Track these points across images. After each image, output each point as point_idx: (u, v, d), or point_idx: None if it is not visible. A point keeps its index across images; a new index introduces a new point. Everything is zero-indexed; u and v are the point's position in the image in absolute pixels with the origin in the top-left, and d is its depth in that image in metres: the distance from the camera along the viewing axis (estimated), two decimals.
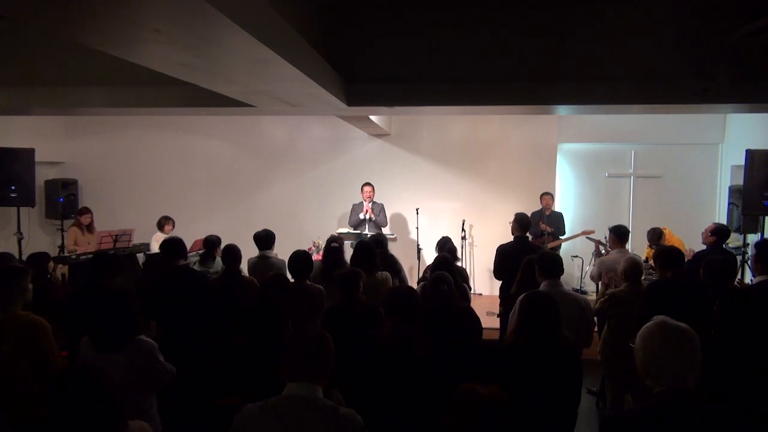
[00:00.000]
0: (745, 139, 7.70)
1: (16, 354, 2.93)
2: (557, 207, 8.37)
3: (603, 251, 6.51)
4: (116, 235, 7.00)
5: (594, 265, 5.87)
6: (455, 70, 4.86)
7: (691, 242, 6.62)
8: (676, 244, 5.86)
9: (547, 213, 7.93)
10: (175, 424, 3.42)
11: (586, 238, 7.80)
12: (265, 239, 5.23)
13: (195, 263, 5.88)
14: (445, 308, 3.26)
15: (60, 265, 6.81)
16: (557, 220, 8.01)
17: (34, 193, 7.50)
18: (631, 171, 8.80)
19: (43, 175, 8.42)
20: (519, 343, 2.88)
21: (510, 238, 5.44)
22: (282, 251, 5.44)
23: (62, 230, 7.96)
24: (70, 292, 4.40)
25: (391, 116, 8.51)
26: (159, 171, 9.29)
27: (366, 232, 7.33)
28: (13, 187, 7.20)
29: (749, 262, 6.28)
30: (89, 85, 5.20)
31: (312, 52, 3.93)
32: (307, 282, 4.34)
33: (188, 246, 4.87)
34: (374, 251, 4.65)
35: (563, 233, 8.01)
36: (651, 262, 5.90)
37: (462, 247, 8.20)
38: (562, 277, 3.90)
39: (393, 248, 6.55)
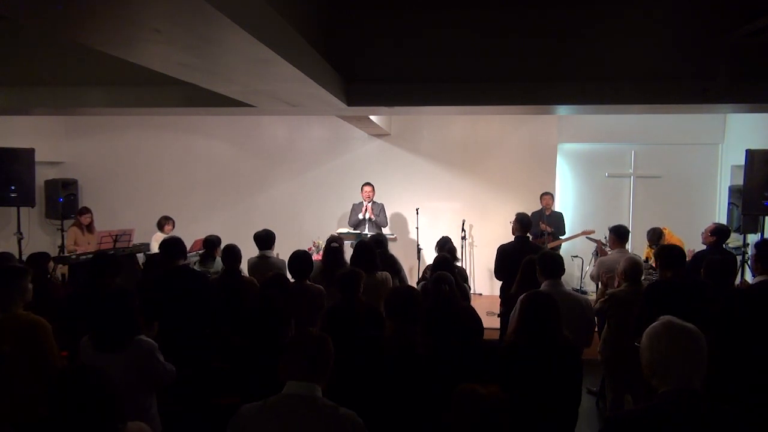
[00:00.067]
0: (745, 139, 7.70)
1: (16, 354, 2.93)
2: (557, 207, 8.36)
3: (607, 249, 6.49)
4: (116, 235, 7.00)
5: (594, 265, 5.87)
6: (455, 70, 4.86)
7: (691, 242, 6.61)
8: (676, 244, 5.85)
9: (547, 213, 7.92)
10: (175, 424, 3.42)
11: (587, 238, 7.80)
12: (265, 239, 5.23)
13: (195, 263, 5.88)
14: (447, 308, 3.26)
15: (60, 265, 6.81)
16: (557, 220, 8.01)
17: (34, 193, 7.50)
18: (631, 171, 8.79)
19: (43, 175, 8.42)
20: (519, 343, 2.88)
21: (510, 238, 5.44)
22: (282, 251, 5.45)
23: (62, 230, 7.96)
24: (70, 292, 4.40)
25: (391, 116, 8.51)
26: (159, 171, 9.29)
27: (366, 232, 7.33)
28: (13, 187, 7.20)
29: (749, 262, 6.28)
30: (89, 85, 5.20)
31: (312, 52, 3.93)
32: (307, 282, 4.34)
33: (188, 246, 4.87)
34: (374, 251, 4.65)
35: (563, 233, 8.00)
36: (651, 262, 5.90)
37: (462, 247, 8.20)
38: (562, 277, 3.90)
39: (393, 248, 6.54)
